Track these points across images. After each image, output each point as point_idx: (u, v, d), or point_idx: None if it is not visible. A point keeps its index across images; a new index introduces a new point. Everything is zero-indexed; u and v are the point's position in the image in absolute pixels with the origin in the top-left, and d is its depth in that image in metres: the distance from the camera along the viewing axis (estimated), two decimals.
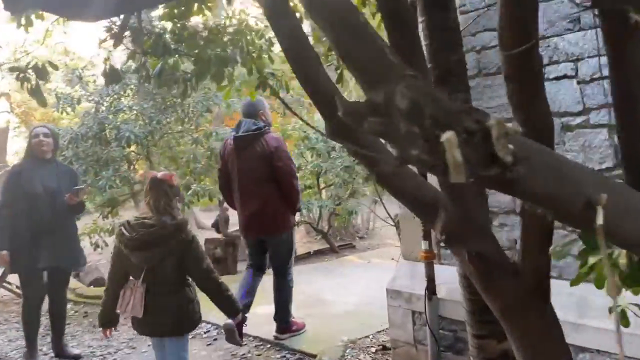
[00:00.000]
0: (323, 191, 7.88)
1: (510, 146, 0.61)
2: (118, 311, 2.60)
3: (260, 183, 3.70)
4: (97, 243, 5.87)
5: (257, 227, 3.77)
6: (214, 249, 7.30)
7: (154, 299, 2.49)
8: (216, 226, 7.81)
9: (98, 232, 6.14)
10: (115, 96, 5.34)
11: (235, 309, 2.76)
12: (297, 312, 4.25)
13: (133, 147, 5.17)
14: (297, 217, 5.67)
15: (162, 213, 2.51)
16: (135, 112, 5.30)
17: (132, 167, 5.24)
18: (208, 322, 4.44)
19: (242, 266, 7.87)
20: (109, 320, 2.68)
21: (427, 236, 2.88)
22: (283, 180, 3.73)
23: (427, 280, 2.86)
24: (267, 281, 4.13)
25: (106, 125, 4.97)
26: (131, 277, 2.57)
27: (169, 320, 2.54)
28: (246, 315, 3.51)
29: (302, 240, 8.61)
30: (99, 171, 4.93)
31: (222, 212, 7.47)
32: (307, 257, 7.85)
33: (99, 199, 5.76)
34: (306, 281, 5.93)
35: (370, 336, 4.05)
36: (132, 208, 7.76)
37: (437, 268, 2.86)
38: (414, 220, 3.12)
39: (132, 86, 5.22)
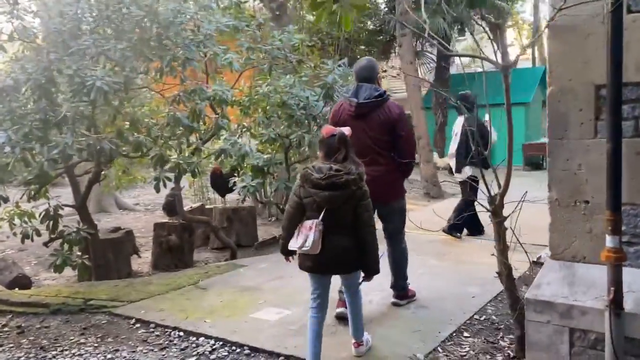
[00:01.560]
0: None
1: None
2: (292, 247, 2.84)
3: (380, 151, 3.64)
4: (26, 232, 4.41)
5: (375, 194, 3.36)
6: (167, 235, 6.04)
7: (330, 238, 2.78)
8: (168, 208, 6.51)
9: (22, 218, 4.66)
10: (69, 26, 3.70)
11: (376, 269, 2.93)
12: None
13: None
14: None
15: (347, 163, 2.84)
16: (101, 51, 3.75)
17: (93, 130, 3.82)
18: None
19: (199, 255, 6.70)
20: (289, 253, 3.00)
21: (617, 229, 2.15)
22: (403, 149, 3.70)
23: (612, 289, 2.14)
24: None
25: (56, 70, 3.48)
26: (307, 217, 2.84)
27: (345, 258, 2.86)
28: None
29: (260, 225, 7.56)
30: (45, 136, 3.48)
31: (175, 191, 6.19)
32: (273, 242, 6.86)
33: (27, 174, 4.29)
34: (295, 274, 4.99)
35: (440, 349, 3.30)
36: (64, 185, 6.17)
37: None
38: (574, 206, 2.39)
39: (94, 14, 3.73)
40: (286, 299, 4.28)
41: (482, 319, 3.76)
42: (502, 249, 2.87)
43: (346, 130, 2.98)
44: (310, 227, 2.77)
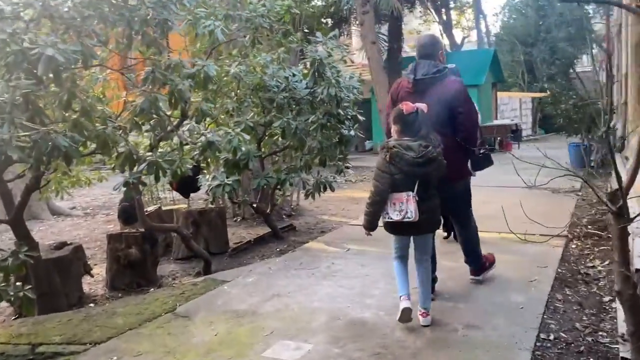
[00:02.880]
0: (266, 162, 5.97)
1: None
2: (393, 219, 3.13)
3: (439, 129, 3.44)
4: None
5: None
6: (125, 248, 4.97)
7: (423, 204, 3.10)
8: (124, 216, 5.40)
9: None
10: None
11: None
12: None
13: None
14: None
15: (425, 135, 3.15)
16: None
17: (39, 121, 2.73)
18: None
19: (162, 268, 5.63)
20: (375, 229, 3.28)
21: None
22: (464, 127, 3.59)
23: None
24: None
25: None
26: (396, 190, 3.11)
27: (436, 217, 3.38)
28: None
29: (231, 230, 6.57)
30: None
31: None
32: (248, 247, 5.94)
33: None
34: (295, 290, 4.17)
35: None
36: None
37: None
38: None
39: None
40: (298, 327, 3.43)
41: (551, 338, 3.10)
42: (624, 260, 2.19)
43: (423, 106, 3.21)
44: (407, 199, 3.06)
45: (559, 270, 4.32)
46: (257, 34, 4.53)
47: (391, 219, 3.14)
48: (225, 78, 5.11)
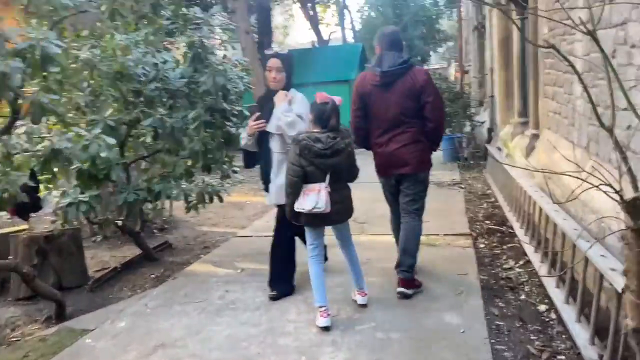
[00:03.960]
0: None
1: None
2: (304, 209, 3.14)
3: (408, 120, 3.56)
4: None
5: (400, 163, 3.62)
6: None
7: (335, 194, 3.17)
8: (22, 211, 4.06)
9: None
10: None
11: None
12: None
13: None
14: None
15: (336, 126, 3.17)
16: None
17: None
18: None
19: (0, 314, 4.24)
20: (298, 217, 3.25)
21: None
22: (432, 116, 3.58)
23: None
24: None
25: None
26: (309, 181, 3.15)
27: (349, 205, 3.34)
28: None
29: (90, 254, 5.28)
30: None
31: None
32: (115, 275, 4.80)
33: None
34: (184, 334, 3.26)
35: None
36: None
37: None
38: None
39: None
40: None
41: None
42: None
43: (338, 99, 3.26)
44: (319, 190, 3.12)
45: (481, 277, 3.96)
46: (116, 4, 3.47)
47: (303, 209, 3.15)
48: (73, 65, 3.95)
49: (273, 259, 3.76)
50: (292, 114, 3.48)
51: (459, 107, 10.38)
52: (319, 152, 3.09)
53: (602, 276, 2.55)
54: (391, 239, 4.14)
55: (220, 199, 4.56)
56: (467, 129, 10.83)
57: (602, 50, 1.68)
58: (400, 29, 20.97)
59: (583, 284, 2.91)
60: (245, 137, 3.67)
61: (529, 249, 4.30)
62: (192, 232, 6.38)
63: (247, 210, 7.32)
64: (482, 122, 10.37)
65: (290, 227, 3.51)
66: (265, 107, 3.65)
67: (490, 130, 9.98)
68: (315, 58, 15.60)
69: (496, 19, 8.75)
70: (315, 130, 3.17)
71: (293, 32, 25.85)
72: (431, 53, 26.97)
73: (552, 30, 4.55)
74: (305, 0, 19.68)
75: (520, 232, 4.83)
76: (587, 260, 2.85)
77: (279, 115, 3.49)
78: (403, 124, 3.57)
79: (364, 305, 3.46)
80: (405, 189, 3.69)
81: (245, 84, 4.43)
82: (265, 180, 3.70)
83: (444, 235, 5.06)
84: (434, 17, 25.64)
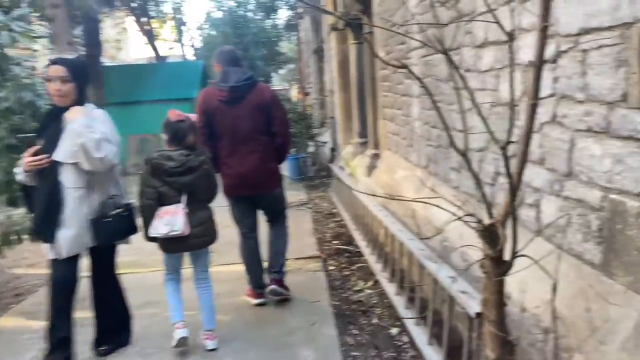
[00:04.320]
0: None
1: None
2: (159, 234, 2.91)
3: (257, 136, 3.51)
4: None
5: (254, 183, 3.55)
6: None
7: (194, 216, 2.97)
8: None
9: None
10: None
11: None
12: None
13: None
14: None
15: (193, 145, 3.04)
16: None
17: None
18: None
19: None
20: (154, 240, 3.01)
21: None
22: (280, 132, 3.60)
23: None
24: None
25: None
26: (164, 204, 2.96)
27: (211, 228, 3.12)
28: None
29: None
30: None
31: None
32: None
33: None
34: None
35: None
36: None
37: None
38: None
39: None
40: None
41: None
42: (500, 319, 1.66)
43: (193, 116, 3.18)
44: (175, 212, 2.93)
45: (333, 302, 3.85)
46: None
47: (159, 233, 2.93)
48: None
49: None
50: (97, 130, 2.77)
51: (303, 128, 10.51)
52: (171, 171, 2.92)
53: (452, 298, 2.55)
54: (241, 268, 3.85)
55: (33, 238, 3.80)
56: (311, 149, 11.02)
57: (456, 68, 1.61)
58: (241, 49, 20.95)
59: (433, 305, 2.92)
60: (20, 171, 2.83)
61: (377, 268, 4.32)
62: (1, 275, 5.33)
63: None
64: (325, 143, 10.63)
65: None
66: (49, 130, 2.84)
67: (332, 150, 10.27)
68: (154, 75, 14.72)
69: (334, 43, 9.04)
70: (168, 149, 3.01)
71: (127, 46, 24.27)
72: (273, 74, 27.48)
73: (389, 54, 4.71)
74: (139, 13, 18.57)
75: (367, 251, 4.87)
76: (435, 281, 2.87)
77: (79, 132, 2.70)
78: (253, 140, 3.51)
79: (213, 350, 3.10)
80: (266, 208, 3.75)
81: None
82: (44, 225, 2.81)
83: (295, 259, 4.90)
84: (274, 39, 26.18)
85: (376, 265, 4.37)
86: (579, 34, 1.76)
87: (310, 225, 6.46)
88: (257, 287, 3.78)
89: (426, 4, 3.39)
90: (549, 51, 1.87)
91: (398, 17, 4.24)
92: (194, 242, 3.03)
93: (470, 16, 2.70)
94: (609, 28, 1.59)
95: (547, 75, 1.93)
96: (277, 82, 29.05)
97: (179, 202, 2.95)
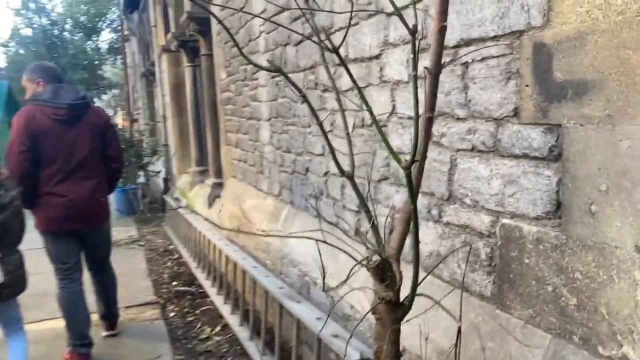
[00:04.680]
0: None
1: None
2: None
3: (94, 162, 3.20)
4: None
5: (87, 215, 3.17)
6: None
7: (6, 262, 2.53)
8: None
9: None
10: None
11: None
12: None
13: None
14: None
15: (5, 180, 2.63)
16: None
17: None
18: None
19: None
20: None
21: None
22: (117, 156, 3.41)
23: None
24: None
25: None
26: None
27: (19, 278, 2.62)
28: None
29: None
30: None
31: None
32: None
33: None
34: None
35: None
36: None
37: None
38: None
39: None
40: None
41: None
42: None
43: None
44: None
45: (177, 357, 3.29)
46: None
47: None
48: None
49: None
50: None
51: (132, 156, 9.55)
52: None
53: (322, 343, 2.24)
54: (58, 324, 3.09)
55: None
56: (142, 179, 10.08)
57: (354, 82, 1.33)
58: (59, 69, 18.86)
59: (296, 351, 2.59)
60: None
61: (225, 310, 3.87)
62: None
63: None
64: (158, 172, 9.81)
65: None
66: None
67: (166, 180, 9.50)
68: None
69: (166, 65, 8.45)
70: None
71: None
72: (95, 100, 25.29)
73: (231, 76, 4.38)
74: None
75: (212, 291, 4.37)
76: (299, 323, 2.55)
77: None
78: (89, 166, 3.18)
79: None
80: (95, 243, 3.36)
81: None
82: None
83: (126, 307, 4.18)
84: (96, 62, 24.16)
85: (224, 307, 3.91)
86: (457, 46, 1.63)
87: (144, 265, 5.71)
88: (82, 346, 3.18)
89: (275, 20, 3.15)
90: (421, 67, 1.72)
91: (242, 36, 3.95)
92: (5, 293, 2.57)
93: (328, 32, 2.51)
94: (495, 38, 1.47)
95: (420, 92, 1.78)
96: (100, 107, 26.73)
97: None
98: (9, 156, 3.01)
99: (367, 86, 2.19)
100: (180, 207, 6.92)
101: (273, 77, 3.29)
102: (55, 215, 3.09)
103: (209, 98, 6.09)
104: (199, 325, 3.85)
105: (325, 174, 2.61)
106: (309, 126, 2.78)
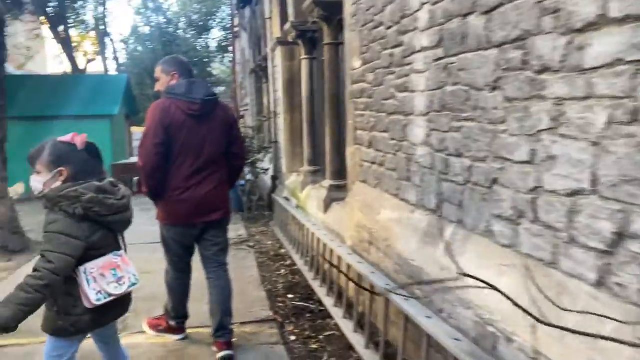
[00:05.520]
0: None
1: None
2: (106, 297, 2.10)
3: (220, 158, 3.25)
4: None
5: (212, 209, 3.20)
6: None
7: None
8: None
9: None
10: None
11: None
12: None
13: None
14: None
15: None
16: None
17: None
18: None
19: None
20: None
21: None
22: (241, 153, 3.48)
23: None
24: None
25: None
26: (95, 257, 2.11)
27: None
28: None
29: None
30: None
31: None
32: None
33: None
34: None
35: None
36: None
37: None
38: None
39: None
40: None
41: None
42: None
43: (84, 137, 2.23)
44: (122, 260, 2.20)
45: None
46: None
47: (109, 296, 2.09)
48: None
49: None
50: None
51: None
52: (117, 206, 2.14)
53: None
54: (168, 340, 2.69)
55: None
56: (249, 176, 9.84)
57: None
58: None
59: None
60: None
61: (356, 340, 3.24)
62: None
63: None
64: (266, 170, 9.50)
65: None
66: None
67: (274, 179, 9.16)
68: (70, 88, 13.00)
69: (280, 59, 8.05)
70: (84, 182, 2.10)
71: (43, 57, 21.99)
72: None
73: (368, 63, 3.74)
74: (56, 21, 16.71)
75: (335, 312, 3.78)
76: None
77: None
78: (216, 162, 3.21)
79: None
80: (213, 238, 3.30)
81: None
82: None
83: (241, 324, 3.71)
84: (205, 60, 24.95)
85: (355, 337, 3.29)
86: None
87: (256, 271, 5.27)
88: (180, 323, 3.47)
89: None
90: None
91: (388, 14, 3.29)
92: (115, 311, 2.27)
93: None
94: None
95: None
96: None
97: (116, 248, 2.21)
98: (142, 148, 3.09)
99: (634, 61, 1.43)
100: (292, 208, 6.45)
101: (439, 58, 2.59)
102: (181, 209, 3.16)
103: (330, 92, 5.54)
104: (325, 358, 3.26)
105: (534, 189, 1.86)
106: (503, 122, 2.04)
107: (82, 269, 2.06)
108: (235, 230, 7.52)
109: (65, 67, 19.61)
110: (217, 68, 28.31)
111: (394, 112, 3.31)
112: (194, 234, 3.27)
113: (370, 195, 3.79)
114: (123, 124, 14.47)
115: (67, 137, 2.16)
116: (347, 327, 3.46)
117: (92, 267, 2.09)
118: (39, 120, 11.81)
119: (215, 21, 24.89)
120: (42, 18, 16.42)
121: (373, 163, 3.77)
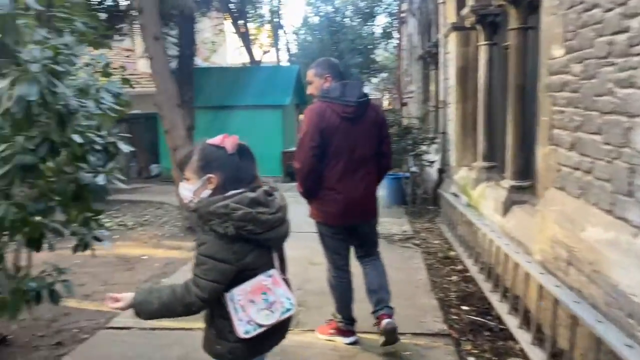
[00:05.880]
0: None
1: None
2: (260, 327, 1.82)
3: (371, 158, 3.31)
4: None
5: (363, 210, 3.33)
6: None
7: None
8: None
9: None
10: None
11: None
12: None
13: None
14: None
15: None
16: None
17: None
18: None
19: None
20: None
21: None
22: (389, 152, 3.48)
23: None
24: None
25: None
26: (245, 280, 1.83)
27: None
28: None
29: None
30: None
31: None
32: None
33: None
34: None
35: None
36: None
37: None
38: None
39: None
40: None
41: None
42: None
43: (235, 139, 1.96)
44: (273, 282, 1.87)
45: None
46: None
47: (259, 327, 1.81)
48: None
49: None
50: None
51: (408, 143, 9.05)
52: (271, 221, 1.85)
53: None
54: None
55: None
56: (414, 168, 9.54)
57: None
58: (337, 55, 20.02)
59: None
60: None
61: None
62: (48, 309, 4.36)
63: (139, 272, 5.42)
64: (432, 162, 9.10)
65: None
66: None
67: (441, 172, 8.72)
68: (247, 79, 13.95)
69: (454, 45, 7.56)
70: (236, 191, 1.84)
71: (224, 50, 24.10)
72: (366, 83, 26.33)
73: (575, 52, 3.19)
74: (237, 16, 18.07)
75: (520, 334, 3.36)
76: None
77: None
78: (367, 163, 3.29)
79: None
80: (366, 236, 3.46)
81: (110, 104, 2.66)
82: None
83: (413, 335, 3.50)
84: (370, 46, 24.97)
85: None
86: None
87: (424, 274, 5.00)
88: (348, 324, 3.45)
89: None
90: None
91: None
92: (284, 332, 2.03)
93: None
94: None
95: None
96: (370, 91, 27.81)
97: (270, 266, 1.90)
98: (300, 150, 3.21)
99: None
100: (462, 206, 6.03)
101: None
102: (334, 210, 3.26)
103: (515, 82, 4.97)
104: None
105: None
106: None
107: (228, 295, 1.82)
108: (399, 225, 7.33)
109: (243, 58, 21.19)
110: (381, 54, 28.19)
111: (610, 111, 2.76)
112: (346, 232, 3.37)
113: (570, 206, 3.26)
114: (293, 113, 15.13)
115: (216, 140, 1.92)
116: (535, 355, 3.04)
117: (239, 294, 1.83)
118: (220, 110, 12.89)
119: (381, 7, 24.73)
120: (225, 14, 17.83)
121: (576, 169, 3.23)
